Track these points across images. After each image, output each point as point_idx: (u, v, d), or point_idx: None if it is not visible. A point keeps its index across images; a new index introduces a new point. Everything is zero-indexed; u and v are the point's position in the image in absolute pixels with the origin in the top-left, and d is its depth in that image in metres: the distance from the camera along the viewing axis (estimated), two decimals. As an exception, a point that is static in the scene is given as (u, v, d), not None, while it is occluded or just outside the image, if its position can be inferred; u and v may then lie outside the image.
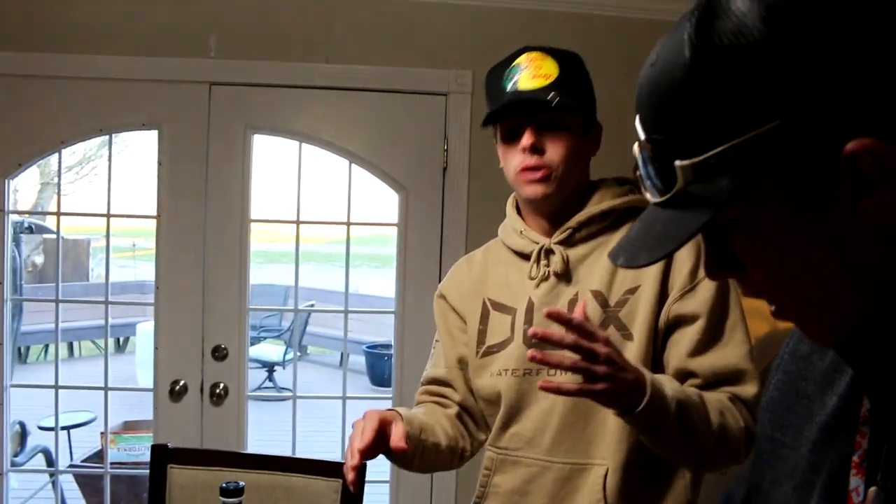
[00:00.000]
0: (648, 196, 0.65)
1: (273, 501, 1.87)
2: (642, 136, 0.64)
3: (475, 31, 2.91)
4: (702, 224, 0.59)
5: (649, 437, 1.29)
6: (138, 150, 3.51)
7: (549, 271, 1.46)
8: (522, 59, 1.43)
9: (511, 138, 1.45)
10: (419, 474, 2.88)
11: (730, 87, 0.56)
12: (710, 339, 1.36)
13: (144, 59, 2.76)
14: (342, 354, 8.89)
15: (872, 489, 0.64)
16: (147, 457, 3.57)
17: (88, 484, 3.55)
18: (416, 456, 1.44)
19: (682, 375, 1.37)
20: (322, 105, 2.89)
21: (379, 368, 7.83)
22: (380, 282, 9.37)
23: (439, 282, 2.90)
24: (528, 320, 1.46)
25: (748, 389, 1.35)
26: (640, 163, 0.65)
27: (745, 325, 1.40)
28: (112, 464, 3.21)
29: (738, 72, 0.56)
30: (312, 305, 8.28)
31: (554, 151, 1.41)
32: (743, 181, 0.57)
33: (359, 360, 8.26)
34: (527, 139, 1.41)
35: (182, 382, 2.84)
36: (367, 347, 7.81)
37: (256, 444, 2.98)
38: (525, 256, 1.51)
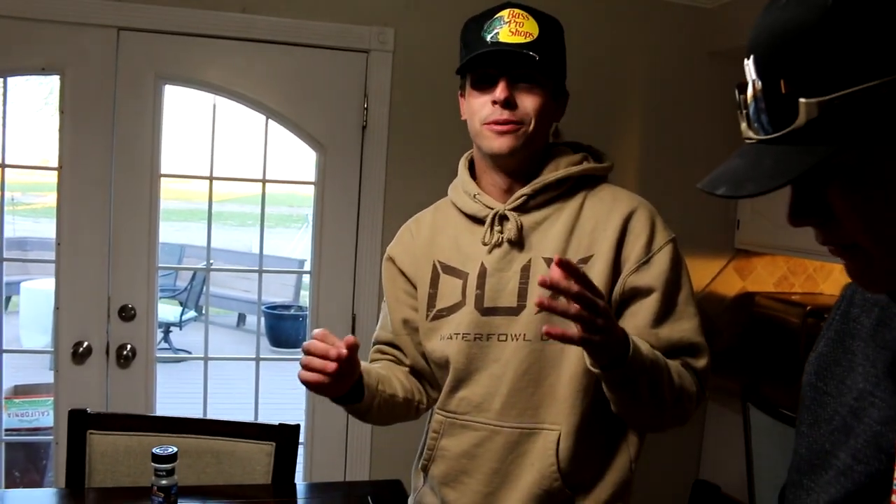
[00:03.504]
0: (751, 134, 0.67)
1: (203, 466, 1.81)
2: (754, 75, 0.65)
3: (399, -12, 2.85)
4: (819, 160, 0.60)
5: (622, 392, 1.29)
6: (25, 94, 3.26)
7: (502, 238, 1.44)
8: (505, 14, 1.40)
9: (482, 87, 1.41)
10: (335, 437, 2.89)
11: (868, 33, 0.58)
12: (665, 311, 1.39)
13: (45, -3, 2.56)
14: (239, 314, 8.73)
15: None
16: (45, 422, 3.43)
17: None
18: (374, 407, 1.43)
19: None
20: (238, 57, 2.77)
21: (278, 329, 7.70)
22: (281, 241, 9.18)
23: (356, 241, 2.90)
24: (481, 285, 1.44)
25: (700, 362, 1.40)
26: (749, 100, 0.66)
27: (694, 297, 1.43)
28: (6, 431, 3.04)
29: (879, 19, 0.58)
30: (212, 264, 8.06)
31: (526, 106, 1.39)
32: (866, 124, 0.59)
33: (255, 321, 8.12)
34: (501, 92, 1.37)
35: (86, 344, 2.71)
36: (267, 308, 7.66)
37: (165, 407, 2.87)
38: (477, 220, 1.49)
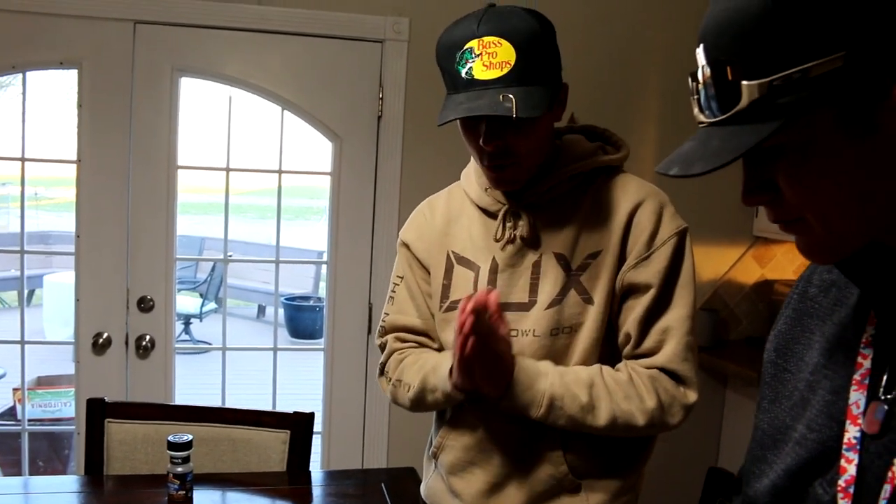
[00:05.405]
0: (702, 118, 0.71)
1: (219, 454, 1.83)
2: (704, 61, 0.69)
3: (413, -23, 2.84)
4: (762, 138, 0.64)
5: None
6: (47, 90, 3.29)
7: (515, 234, 1.42)
8: (475, 45, 1.29)
9: (471, 128, 1.36)
10: (353, 426, 2.91)
11: (803, 18, 0.62)
12: (659, 308, 1.37)
13: (62, -8, 2.58)
14: (259, 306, 8.78)
15: (873, 403, 0.72)
16: (67, 412, 3.48)
17: (1, 443, 3.41)
18: None
19: (627, 338, 1.40)
20: (253, 48, 2.78)
21: (297, 320, 7.74)
22: (303, 234, 9.22)
23: (372, 231, 2.91)
24: (492, 281, 1.43)
25: (678, 364, 1.37)
26: (700, 86, 0.70)
27: (693, 288, 1.40)
28: (29, 421, 3.08)
29: (813, 6, 0.62)
30: (231, 256, 8.12)
31: (517, 145, 1.33)
32: (804, 104, 0.63)
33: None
34: (486, 146, 1.32)
35: (106, 335, 2.74)
36: (286, 299, 7.70)
37: (184, 397, 2.90)
38: (490, 214, 1.47)
